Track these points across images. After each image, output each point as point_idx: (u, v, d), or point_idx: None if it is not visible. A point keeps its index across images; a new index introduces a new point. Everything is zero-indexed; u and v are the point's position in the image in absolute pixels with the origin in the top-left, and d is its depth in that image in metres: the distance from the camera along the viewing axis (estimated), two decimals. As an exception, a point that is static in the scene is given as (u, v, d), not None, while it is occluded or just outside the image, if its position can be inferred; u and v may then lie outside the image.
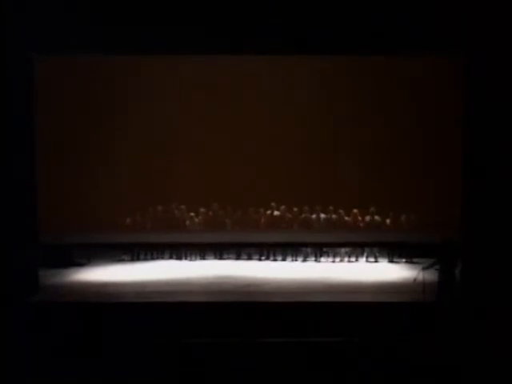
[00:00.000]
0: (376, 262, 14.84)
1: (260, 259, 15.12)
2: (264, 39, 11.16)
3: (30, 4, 11.05)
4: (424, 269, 11.17)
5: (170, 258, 15.29)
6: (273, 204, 14.72)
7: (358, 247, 14.64)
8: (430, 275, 11.16)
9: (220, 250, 15.12)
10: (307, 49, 11.45)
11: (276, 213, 14.87)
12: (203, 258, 15.27)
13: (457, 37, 11.07)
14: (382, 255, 14.96)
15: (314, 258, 14.98)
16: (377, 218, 14.69)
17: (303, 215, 14.87)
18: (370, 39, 11.13)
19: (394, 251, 14.85)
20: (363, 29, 10.99)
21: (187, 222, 14.99)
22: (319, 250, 14.98)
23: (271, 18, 10.94)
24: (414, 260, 14.41)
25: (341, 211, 14.69)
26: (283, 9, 10.94)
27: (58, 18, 11.02)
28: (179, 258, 15.23)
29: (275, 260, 15.11)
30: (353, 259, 14.94)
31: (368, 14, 10.85)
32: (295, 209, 14.88)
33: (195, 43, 11.35)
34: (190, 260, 15.19)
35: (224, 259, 15.13)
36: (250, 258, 15.15)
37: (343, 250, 14.93)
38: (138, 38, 11.32)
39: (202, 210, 14.92)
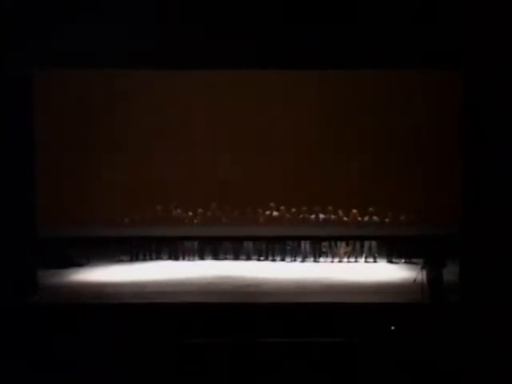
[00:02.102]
0: (375, 262, 14.85)
1: (259, 259, 15.13)
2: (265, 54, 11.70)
3: (31, 17, 11.21)
4: (422, 269, 11.27)
5: (169, 258, 15.30)
6: (272, 204, 14.70)
7: (355, 240, 14.70)
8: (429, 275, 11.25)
9: (218, 245, 15.20)
10: (309, 63, 12.07)
11: (275, 213, 14.85)
12: (202, 258, 15.29)
13: (453, 54, 11.52)
14: (381, 255, 14.97)
15: (312, 258, 14.98)
16: (375, 218, 14.67)
17: (302, 215, 14.85)
18: (370, 55, 11.64)
19: (392, 250, 14.88)
20: (364, 45, 11.47)
21: (185, 222, 14.97)
22: (318, 249, 15.00)
23: (270, 33, 11.37)
24: (413, 260, 14.41)
25: (340, 211, 14.66)
26: (284, 23, 11.33)
27: (59, 32, 11.19)
28: (178, 258, 15.25)
29: (274, 260, 15.12)
30: (352, 259, 14.95)
31: (368, 32, 11.31)
32: (294, 209, 14.85)
33: (196, 58, 11.76)
34: (189, 260, 15.20)
35: (223, 259, 15.15)
36: (248, 258, 15.16)
37: (342, 250, 14.95)
38: (138, 52, 11.59)
39: (200, 210, 14.89)
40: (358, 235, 14.20)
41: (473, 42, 11.27)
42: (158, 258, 15.37)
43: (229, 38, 11.42)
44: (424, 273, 11.39)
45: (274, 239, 14.67)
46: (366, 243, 14.89)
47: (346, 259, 14.96)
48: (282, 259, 15.15)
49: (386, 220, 14.63)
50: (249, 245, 15.20)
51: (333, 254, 15.07)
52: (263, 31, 11.42)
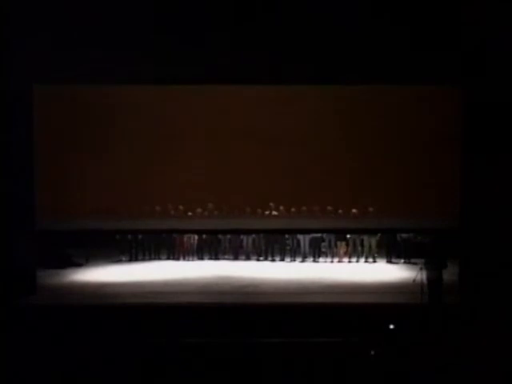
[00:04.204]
0: (375, 262, 14.85)
1: (258, 259, 15.14)
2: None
3: (31, 34, 11.36)
4: (421, 269, 11.28)
5: (168, 258, 15.30)
6: (271, 204, 14.69)
7: (354, 233, 14.76)
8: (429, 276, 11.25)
9: (217, 245, 15.26)
10: (319, 79, 12.50)
11: (274, 213, 14.83)
12: (201, 258, 15.29)
13: (453, 70, 11.79)
14: (381, 256, 14.97)
15: (312, 259, 14.98)
16: (374, 217, 14.65)
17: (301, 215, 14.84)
18: (372, 72, 12.01)
19: (392, 251, 14.88)
20: (367, 63, 11.82)
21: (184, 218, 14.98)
22: (318, 249, 15.00)
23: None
24: (413, 260, 14.40)
25: (340, 211, 14.64)
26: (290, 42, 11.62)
27: (59, 49, 11.38)
28: (177, 258, 15.25)
29: (274, 260, 15.12)
30: (352, 259, 14.94)
31: (372, 50, 11.65)
32: (293, 209, 14.84)
33: (192, 73, 12.03)
34: (188, 260, 15.20)
35: (222, 259, 15.15)
36: (248, 258, 15.16)
37: (342, 250, 14.95)
38: (135, 68, 11.77)
39: (199, 210, 14.88)
40: (356, 228, 14.19)
41: (472, 57, 11.52)
42: (157, 258, 15.38)
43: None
44: (424, 273, 11.38)
45: (271, 232, 14.65)
46: (366, 243, 14.91)
47: (345, 259, 14.96)
48: (282, 259, 15.15)
49: (386, 218, 14.62)
50: (248, 244, 15.21)
51: (333, 253, 15.07)
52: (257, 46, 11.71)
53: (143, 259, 15.36)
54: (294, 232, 14.74)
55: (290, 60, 11.87)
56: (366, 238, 14.94)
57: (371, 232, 14.55)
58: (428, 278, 11.25)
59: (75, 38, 11.32)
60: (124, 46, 11.49)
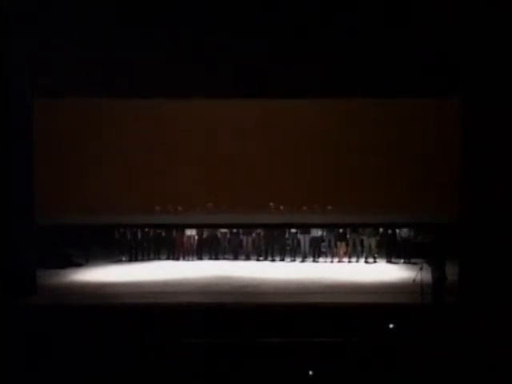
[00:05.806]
0: (374, 262, 14.85)
1: (258, 259, 15.14)
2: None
3: (32, 49, 11.53)
4: (421, 269, 11.28)
5: (168, 258, 15.30)
6: (271, 204, 14.68)
7: (353, 228, 14.83)
8: (429, 276, 11.24)
9: (217, 244, 15.32)
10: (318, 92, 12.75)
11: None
12: (201, 258, 15.29)
13: (452, 83, 11.96)
14: (381, 256, 14.97)
15: (312, 259, 14.98)
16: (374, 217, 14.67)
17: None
18: (373, 85, 12.24)
19: (392, 250, 14.88)
20: (368, 76, 12.08)
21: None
22: (318, 249, 15.00)
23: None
24: (413, 260, 14.41)
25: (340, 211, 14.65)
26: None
27: (60, 63, 11.58)
28: (177, 258, 15.25)
29: (273, 260, 15.12)
30: (352, 259, 14.94)
31: (372, 64, 11.91)
32: (293, 209, 14.83)
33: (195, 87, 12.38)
34: (188, 260, 15.21)
35: (222, 259, 15.15)
36: (248, 258, 15.17)
37: (342, 250, 14.95)
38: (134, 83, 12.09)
39: (199, 210, 14.88)
40: (355, 222, 14.20)
41: (471, 70, 11.64)
42: (157, 258, 15.39)
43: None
44: (423, 273, 11.38)
45: (270, 226, 14.67)
46: (366, 243, 14.91)
47: (345, 259, 14.96)
48: (282, 259, 15.15)
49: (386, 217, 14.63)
50: (248, 244, 15.21)
51: (333, 254, 15.06)
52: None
53: (143, 259, 15.37)
54: (294, 226, 14.72)
55: (293, 74, 12.05)
56: (365, 238, 14.95)
57: (371, 226, 14.54)
58: (433, 277, 11.24)
59: (76, 50, 11.48)
60: (124, 58, 11.71)
